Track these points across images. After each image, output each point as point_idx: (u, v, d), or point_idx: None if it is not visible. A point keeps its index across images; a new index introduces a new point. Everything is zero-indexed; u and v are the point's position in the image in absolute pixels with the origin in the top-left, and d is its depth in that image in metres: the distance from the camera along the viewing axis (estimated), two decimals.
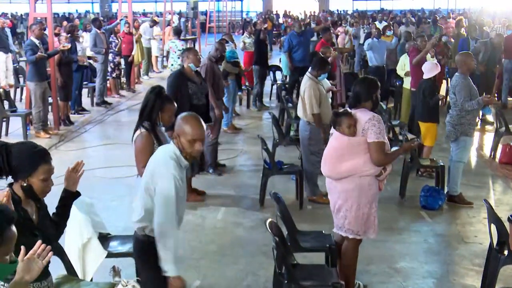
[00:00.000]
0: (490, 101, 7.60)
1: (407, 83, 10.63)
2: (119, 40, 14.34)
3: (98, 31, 13.45)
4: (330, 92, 8.10)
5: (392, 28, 15.55)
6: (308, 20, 25.45)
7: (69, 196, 3.40)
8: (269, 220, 4.43)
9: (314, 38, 16.25)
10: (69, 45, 10.81)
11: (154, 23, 18.56)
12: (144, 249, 3.68)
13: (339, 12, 40.45)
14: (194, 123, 3.57)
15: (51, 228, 3.29)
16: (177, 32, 14.51)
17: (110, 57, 13.87)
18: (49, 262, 3.26)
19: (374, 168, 4.70)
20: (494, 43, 12.73)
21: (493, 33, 13.58)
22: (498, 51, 12.84)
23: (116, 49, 14.04)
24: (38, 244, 2.65)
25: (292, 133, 9.69)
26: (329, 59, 8.85)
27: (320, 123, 7.13)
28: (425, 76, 8.10)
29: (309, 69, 7.40)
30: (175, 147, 3.59)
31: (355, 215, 4.76)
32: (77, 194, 3.43)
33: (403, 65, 10.93)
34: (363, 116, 4.73)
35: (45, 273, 3.21)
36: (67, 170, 3.37)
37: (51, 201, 3.38)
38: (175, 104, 5.04)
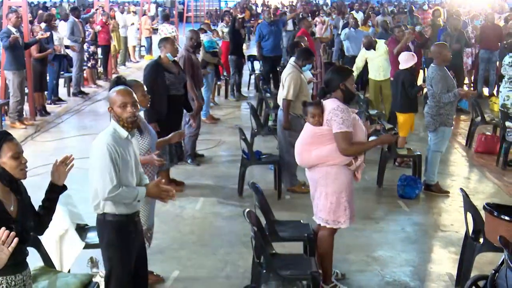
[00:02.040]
0: (467, 94, 7.64)
1: (372, 74, 10.54)
2: (94, 30, 14.18)
3: (76, 20, 13.27)
4: (312, 83, 8.12)
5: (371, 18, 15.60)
6: (286, 9, 25.25)
7: (55, 190, 3.35)
8: (248, 210, 4.43)
9: (290, 28, 16.18)
10: (48, 33, 10.63)
11: (122, 9, 18.34)
12: (100, 226, 3.85)
13: (317, 2, 40.41)
14: (121, 91, 3.82)
15: (31, 222, 3.22)
16: (166, 17, 14.55)
17: (85, 46, 13.71)
18: (27, 253, 3.23)
19: (340, 158, 4.68)
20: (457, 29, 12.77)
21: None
22: (462, 37, 12.85)
23: (90, 39, 13.84)
24: (1, 231, 2.59)
25: (270, 123, 9.69)
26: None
27: (288, 110, 7.13)
28: (401, 67, 8.12)
29: (294, 58, 7.37)
30: (113, 122, 3.80)
31: (324, 203, 4.79)
32: (64, 188, 3.39)
33: (363, 57, 10.65)
34: (329, 106, 4.72)
35: (23, 265, 3.17)
36: (54, 163, 3.32)
37: (36, 194, 3.34)
38: (144, 85, 4.98)
